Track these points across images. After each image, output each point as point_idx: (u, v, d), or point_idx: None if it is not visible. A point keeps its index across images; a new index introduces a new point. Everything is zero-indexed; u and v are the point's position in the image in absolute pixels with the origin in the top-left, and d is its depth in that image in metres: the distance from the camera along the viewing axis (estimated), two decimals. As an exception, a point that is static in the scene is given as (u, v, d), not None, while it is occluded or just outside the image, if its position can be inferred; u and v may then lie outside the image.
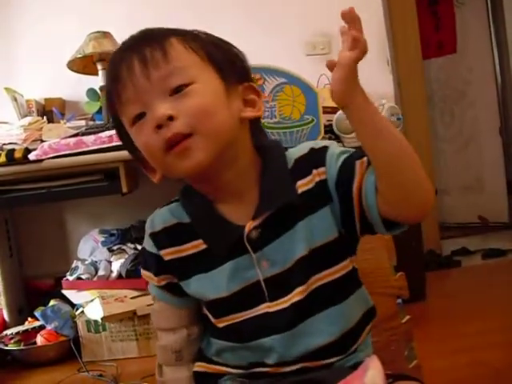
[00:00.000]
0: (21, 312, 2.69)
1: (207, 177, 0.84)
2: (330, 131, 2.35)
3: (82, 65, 2.79)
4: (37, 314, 2.43)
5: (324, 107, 2.36)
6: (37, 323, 2.42)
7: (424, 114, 3.43)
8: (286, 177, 0.87)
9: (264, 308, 0.86)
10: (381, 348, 0.94)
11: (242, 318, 0.87)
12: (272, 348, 0.85)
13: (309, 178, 0.86)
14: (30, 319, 2.49)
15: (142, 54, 0.81)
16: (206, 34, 0.89)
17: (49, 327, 2.36)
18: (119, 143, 2.43)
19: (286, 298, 0.85)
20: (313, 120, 2.27)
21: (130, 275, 2.38)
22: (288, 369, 0.86)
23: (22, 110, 2.76)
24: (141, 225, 2.68)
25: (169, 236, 0.90)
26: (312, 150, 0.88)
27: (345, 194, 0.83)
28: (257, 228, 0.85)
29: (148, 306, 2.24)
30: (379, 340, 0.94)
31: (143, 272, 0.96)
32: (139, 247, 2.51)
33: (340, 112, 2.36)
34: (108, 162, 2.25)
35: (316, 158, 0.87)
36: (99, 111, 2.79)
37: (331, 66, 0.77)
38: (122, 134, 0.90)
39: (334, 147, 0.87)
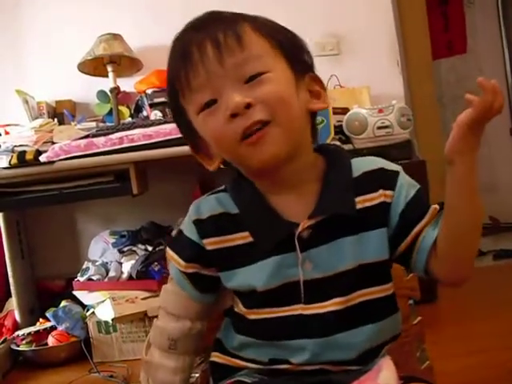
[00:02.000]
0: (32, 313, 2.70)
1: (271, 169, 0.82)
2: (340, 132, 2.35)
3: (93, 67, 2.81)
4: (48, 314, 2.44)
5: (334, 108, 2.36)
6: (48, 324, 2.42)
7: (435, 114, 3.41)
8: (349, 186, 0.85)
9: (298, 309, 0.84)
10: (393, 349, 0.94)
11: (273, 315, 0.85)
12: (301, 350, 0.84)
13: (373, 195, 0.85)
14: (41, 320, 2.50)
15: (216, 38, 0.79)
16: (270, 20, 0.88)
17: (60, 328, 2.37)
18: (129, 145, 2.44)
19: (322, 304, 0.84)
20: (323, 121, 2.26)
21: (141, 276, 2.39)
22: (308, 368, 0.85)
23: (33, 112, 2.78)
24: (151, 226, 2.69)
25: (215, 225, 0.87)
26: (382, 169, 0.87)
27: (405, 227, 0.84)
28: (309, 228, 0.83)
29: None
30: (391, 341, 0.93)
31: (170, 253, 0.92)
32: (150, 248, 2.52)
33: (350, 113, 2.36)
34: (118, 164, 2.25)
35: (386, 179, 0.86)
36: (109, 113, 2.81)
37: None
38: (180, 119, 0.88)
39: (404, 175, 0.87)
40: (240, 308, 0.89)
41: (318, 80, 0.88)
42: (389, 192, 0.85)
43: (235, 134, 0.78)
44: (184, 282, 0.91)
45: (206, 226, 0.88)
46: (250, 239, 0.85)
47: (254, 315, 0.87)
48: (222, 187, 0.91)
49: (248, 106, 0.77)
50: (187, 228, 0.90)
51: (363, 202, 0.85)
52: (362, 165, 0.88)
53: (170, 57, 0.86)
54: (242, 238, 0.86)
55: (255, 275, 0.85)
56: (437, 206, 0.84)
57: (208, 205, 0.89)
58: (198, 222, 0.89)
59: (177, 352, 0.93)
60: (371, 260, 0.85)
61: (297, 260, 0.84)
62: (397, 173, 0.87)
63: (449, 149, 0.77)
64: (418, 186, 0.87)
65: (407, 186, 0.85)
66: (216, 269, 0.89)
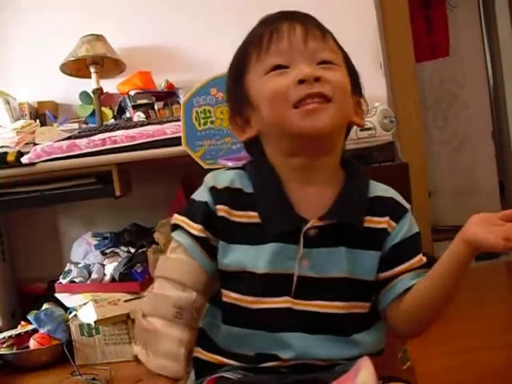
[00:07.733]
0: (14, 316, 2.68)
1: (313, 141, 0.87)
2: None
3: (75, 68, 2.79)
4: (30, 317, 2.41)
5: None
6: (30, 327, 2.40)
7: (417, 116, 3.44)
8: (363, 203, 0.91)
9: (287, 302, 0.87)
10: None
11: (264, 306, 0.88)
12: (289, 345, 0.86)
13: (380, 219, 0.91)
14: (22, 323, 2.47)
15: (305, 24, 0.90)
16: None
17: (42, 331, 2.35)
18: (112, 146, 2.43)
19: (308, 303, 0.88)
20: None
21: (124, 278, 2.38)
22: (293, 362, 0.87)
23: (14, 113, 2.75)
24: (134, 228, 2.68)
25: (229, 196, 0.90)
26: (393, 200, 0.94)
27: (391, 260, 0.90)
28: (316, 228, 0.87)
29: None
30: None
31: (180, 218, 0.92)
32: (132, 250, 2.51)
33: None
34: (101, 165, 2.25)
35: (394, 210, 0.93)
36: (92, 114, 2.79)
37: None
38: (235, 83, 0.94)
39: (411, 215, 0.94)
40: (231, 296, 0.90)
41: (361, 105, 0.97)
42: (393, 223, 0.91)
43: (294, 96, 0.85)
44: (196, 249, 0.90)
45: (220, 194, 0.91)
46: (258, 220, 0.88)
47: (246, 303, 0.88)
48: (240, 165, 0.95)
49: (317, 79, 0.85)
50: (201, 194, 0.92)
51: (370, 222, 0.90)
52: (376, 189, 0.94)
53: (256, 25, 0.95)
54: (250, 217, 0.89)
55: (252, 257, 0.88)
56: (424, 258, 0.91)
57: (225, 177, 0.92)
58: (213, 190, 0.91)
59: (182, 322, 0.89)
60: (359, 277, 0.89)
61: (296, 254, 0.87)
62: (407, 210, 0.94)
63: (472, 234, 0.87)
64: (418, 230, 0.94)
65: (410, 225, 0.92)
66: (219, 238, 0.90)
